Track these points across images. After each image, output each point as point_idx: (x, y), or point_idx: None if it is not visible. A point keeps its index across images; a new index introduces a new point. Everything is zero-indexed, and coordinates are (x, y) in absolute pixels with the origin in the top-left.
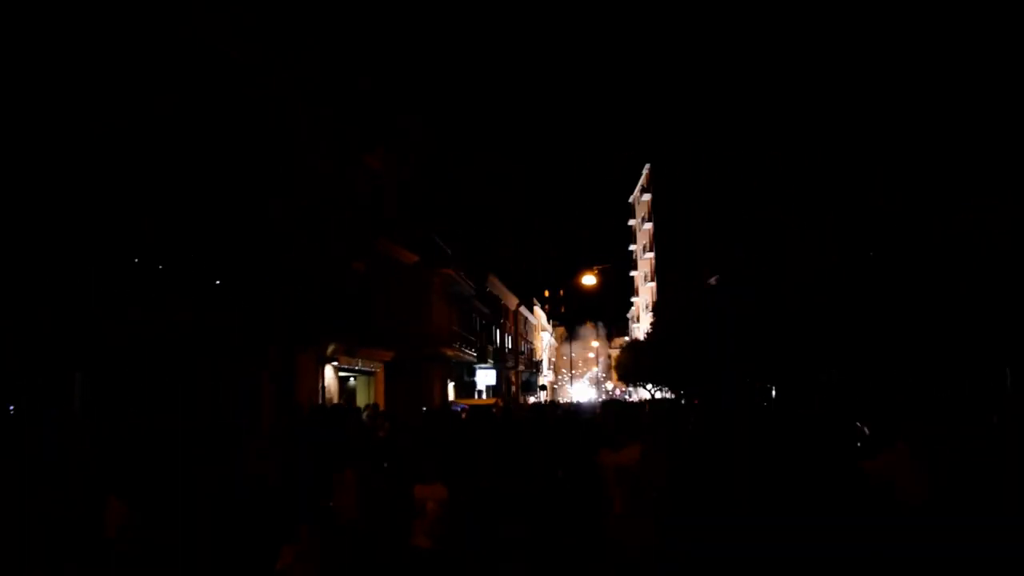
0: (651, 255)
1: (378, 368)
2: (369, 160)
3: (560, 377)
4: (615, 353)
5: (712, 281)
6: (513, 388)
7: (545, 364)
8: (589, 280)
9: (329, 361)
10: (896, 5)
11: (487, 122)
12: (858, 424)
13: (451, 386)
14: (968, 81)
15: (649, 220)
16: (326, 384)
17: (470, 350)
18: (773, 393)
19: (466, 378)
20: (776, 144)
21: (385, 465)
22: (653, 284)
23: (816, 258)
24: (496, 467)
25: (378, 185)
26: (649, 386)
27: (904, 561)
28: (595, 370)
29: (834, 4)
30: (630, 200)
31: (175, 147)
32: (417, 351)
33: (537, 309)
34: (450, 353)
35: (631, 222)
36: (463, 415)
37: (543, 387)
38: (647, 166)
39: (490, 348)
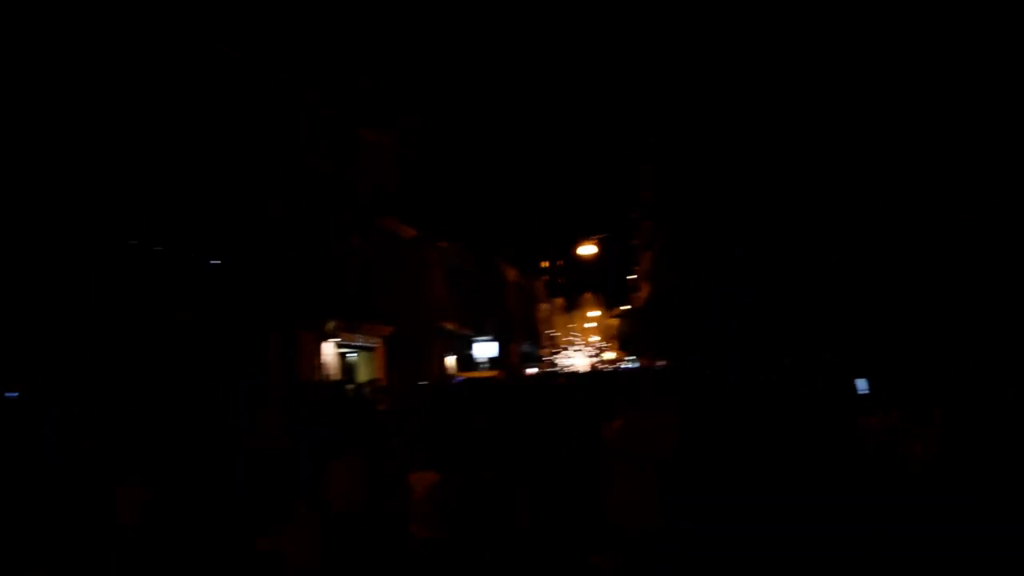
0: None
1: (378, 343)
2: (366, 134)
3: (560, 348)
4: (615, 323)
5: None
6: (514, 359)
7: (545, 335)
8: (589, 250)
9: (329, 338)
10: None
11: (484, 105)
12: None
13: (452, 359)
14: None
15: (650, 188)
16: (326, 360)
17: (470, 323)
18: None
19: (466, 351)
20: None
21: (385, 446)
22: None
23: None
24: (497, 449)
25: (376, 160)
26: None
27: (908, 540)
28: (595, 339)
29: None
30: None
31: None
32: (417, 325)
33: (536, 281)
34: (450, 327)
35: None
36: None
37: (543, 358)
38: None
39: (490, 321)
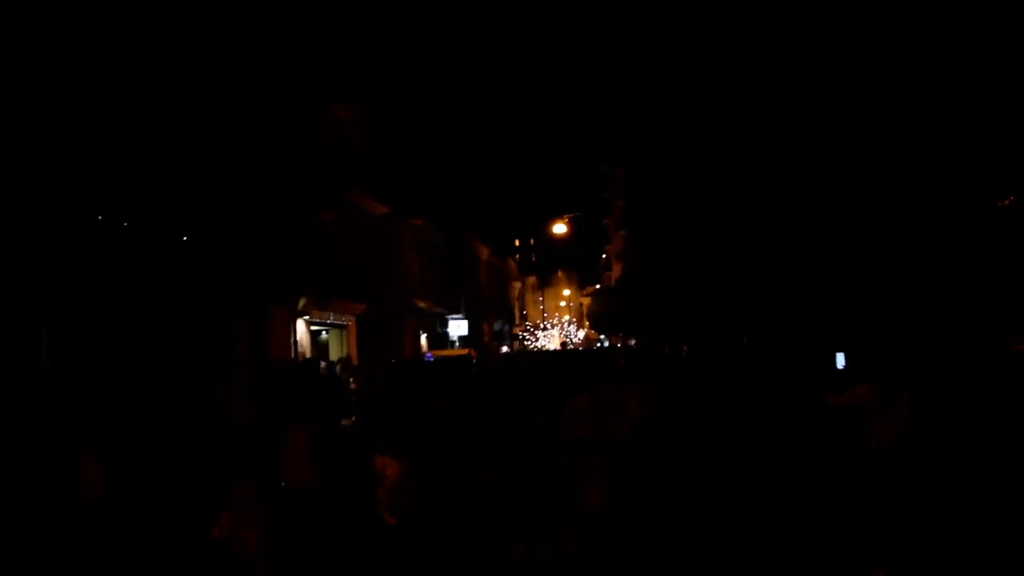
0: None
1: (350, 321)
2: (337, 109)
3: (532, 325)
4: (587, 301)
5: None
6: (486, 338)
7: (517, 313)
8: (561, 228)
9: (300, 315)
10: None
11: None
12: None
13: (424, 337)
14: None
15: (621, 165)
16: (298, 338)
17: (442, 301)
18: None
19: (439, 329)
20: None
21: (347, 422)
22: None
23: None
24: (463, 429)
25: (346, 135)
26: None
27: None
28: (567, 318)
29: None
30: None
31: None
32: (389, 303)
33: (509, 259)
34: (422, 304)
35: (604, 167)
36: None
37: (516, 336)
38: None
39: (462, 299)
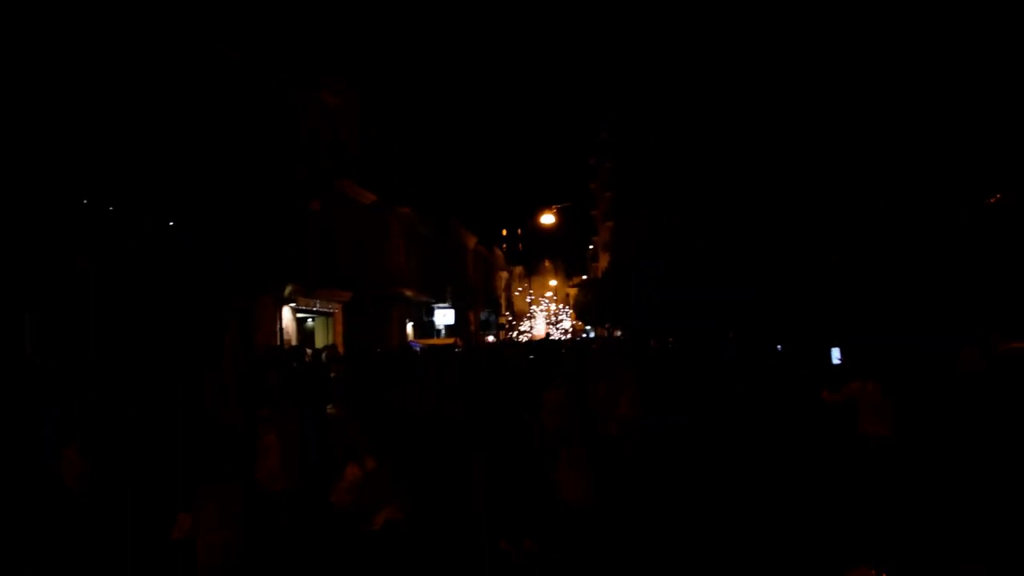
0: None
1: (336, 309)
2: (326, 97)
3: (518, 316)
4: (573, 292)
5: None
6: (472, 327)
7: (504, 303)
8: (548, 219)
9: (287, 303)
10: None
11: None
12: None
13: (410, 326)
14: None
15: (609, 158)
16: (284, 326)
17: (429, 290)
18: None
19: (425, 318)
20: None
21: (331, 410)
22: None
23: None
24: (444, 424)
25: (335, 122)
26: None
27: None
28: (554, 308)
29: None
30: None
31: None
32: (375, 291)
33: (496, 248)
34: (409, 293)
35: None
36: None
37: (502, 326)
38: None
39: (449, 288)
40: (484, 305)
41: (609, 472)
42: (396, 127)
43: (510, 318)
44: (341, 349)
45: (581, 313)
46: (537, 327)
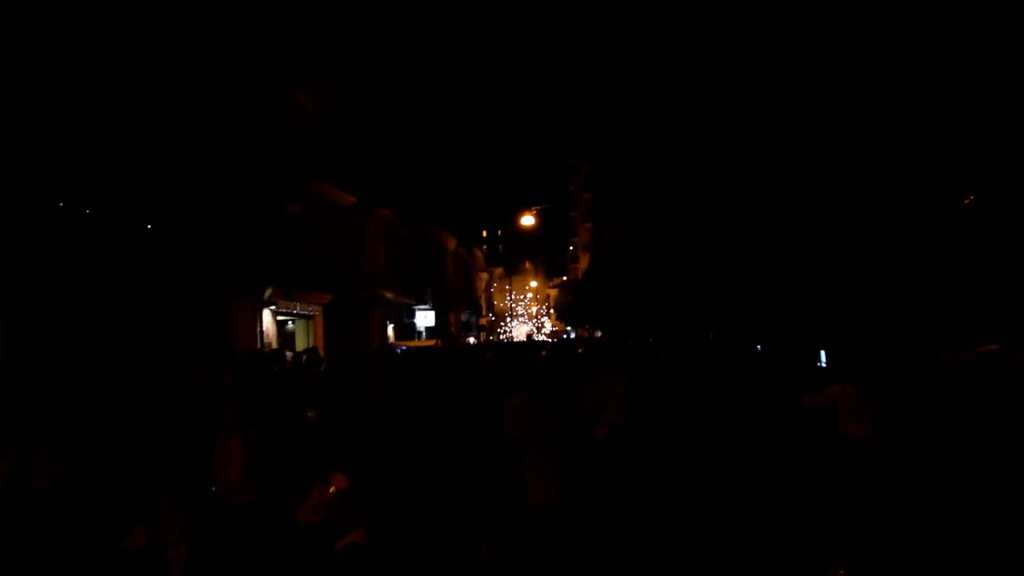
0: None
1: (317, 311)
2: (302, 97)
3: (498, 317)
4: (553, 292)
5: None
6: (453, 329)
7: (484, 304)
8: (528, 220)
9: (267, 305)
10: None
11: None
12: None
13: (391, 328)
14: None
15: (588, 159)
16: (264, 328)
17: (409, 292)
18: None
19: (406, 320)
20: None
21: (312, 415)
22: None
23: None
24: (416, 431)
25: (312, 124)
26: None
27: None
28: (534, 309)
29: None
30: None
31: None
32: (356, 293)
33: (476, 249)
34: (389, 295)
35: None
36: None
37: (482, 327)
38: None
39: (429, 289)
40: (465, 307)
41: (584, 474)
42: (375, 129)
43: (491, 319)
44: (322, 352)
45: (562, 314)
46: (518, 328)
